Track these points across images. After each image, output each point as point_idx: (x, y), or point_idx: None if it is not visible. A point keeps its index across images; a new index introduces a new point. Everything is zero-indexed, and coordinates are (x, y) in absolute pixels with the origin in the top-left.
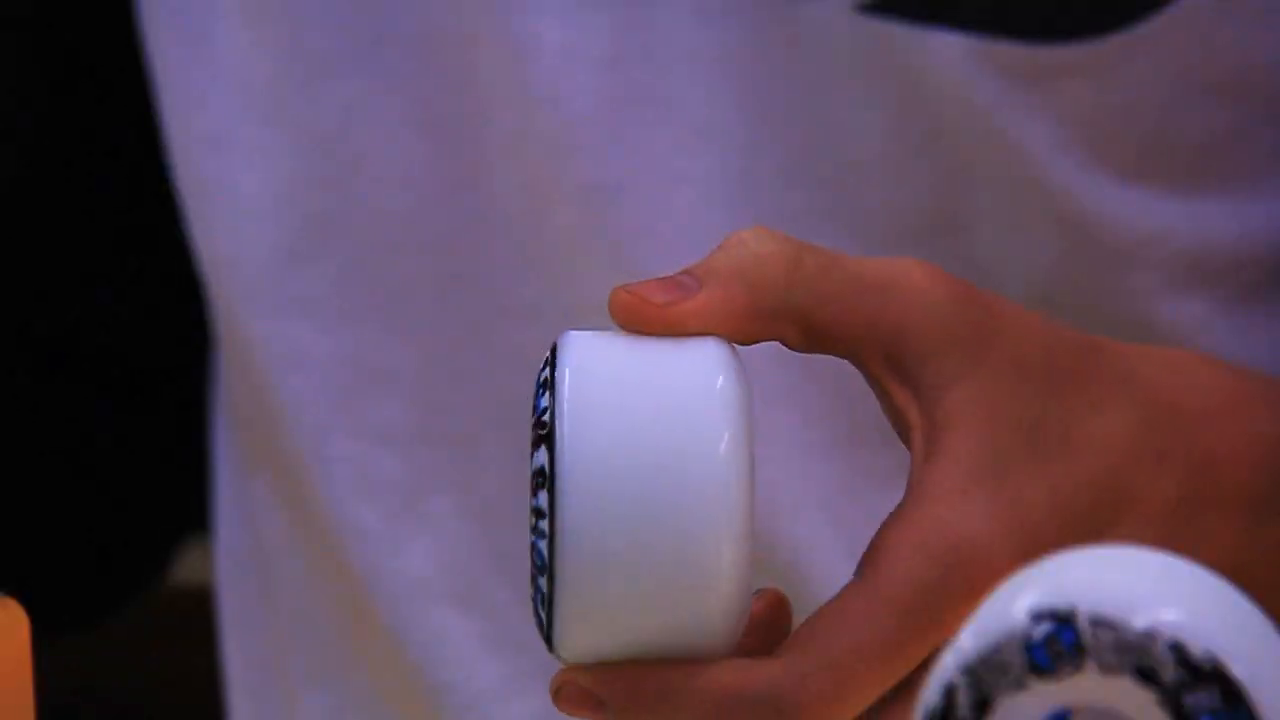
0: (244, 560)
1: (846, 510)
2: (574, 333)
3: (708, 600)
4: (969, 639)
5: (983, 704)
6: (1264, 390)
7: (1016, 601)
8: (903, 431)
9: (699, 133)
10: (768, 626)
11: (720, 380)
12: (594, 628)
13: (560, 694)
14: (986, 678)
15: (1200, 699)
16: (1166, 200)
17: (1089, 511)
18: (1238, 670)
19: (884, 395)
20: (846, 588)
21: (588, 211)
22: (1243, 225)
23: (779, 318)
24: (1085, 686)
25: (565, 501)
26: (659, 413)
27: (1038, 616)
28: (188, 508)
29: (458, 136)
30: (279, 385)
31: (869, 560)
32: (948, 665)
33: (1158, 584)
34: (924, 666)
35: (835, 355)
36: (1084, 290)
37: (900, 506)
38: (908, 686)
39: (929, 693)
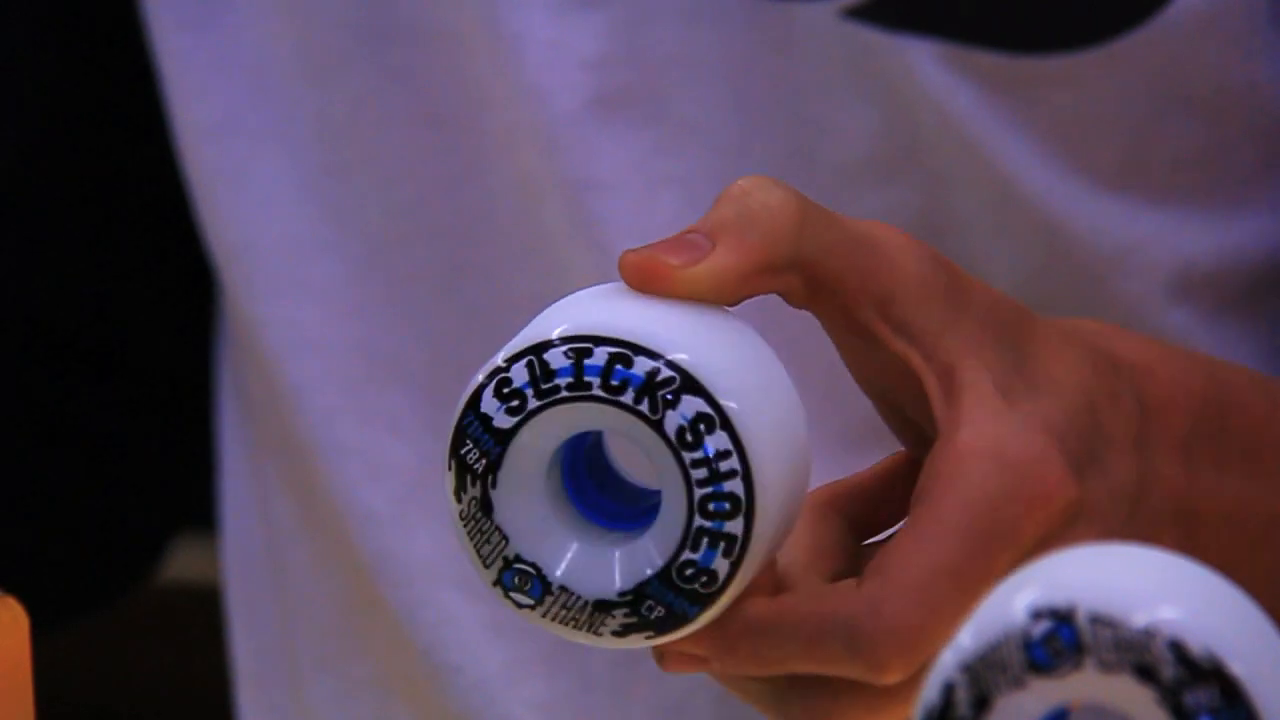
0: (251, 545)
1: None
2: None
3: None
4: (968, 637)
5: (982, 702)
6: (1185, 349)
7: (1016, 599)
8: (897, 381)
9: (686, 133)
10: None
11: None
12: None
13: (665, 660)
14: (985, 675)
15: (1199, 697)
16: (1145, 212)
17: (1082, 445)
18: (1237, 668)
19: (873, 346)
20: (912, 515)
21: (575, 207)
22: (1223, 239)
23: (789, 269)
24: (1084, 684)
25: (752, 445)
26: (766, 375)
27: (1037, 614)
28: (183, 500)
29: (457, 131)
30: (288, 371)
31: (925, 490)
32: (946, 663)
33: (1157, 582)
34: None
35: (822, 310)
36: (1067, 297)
37: (941, 440)
38: None
39: (928, 690)
